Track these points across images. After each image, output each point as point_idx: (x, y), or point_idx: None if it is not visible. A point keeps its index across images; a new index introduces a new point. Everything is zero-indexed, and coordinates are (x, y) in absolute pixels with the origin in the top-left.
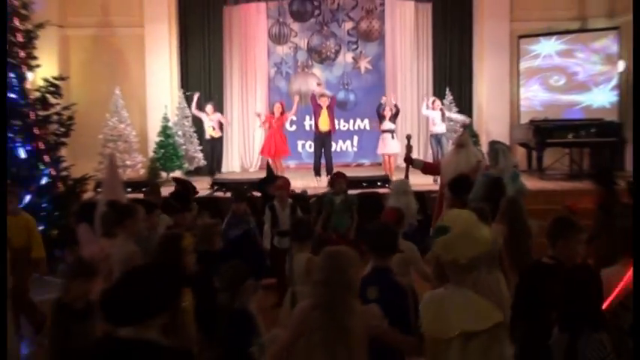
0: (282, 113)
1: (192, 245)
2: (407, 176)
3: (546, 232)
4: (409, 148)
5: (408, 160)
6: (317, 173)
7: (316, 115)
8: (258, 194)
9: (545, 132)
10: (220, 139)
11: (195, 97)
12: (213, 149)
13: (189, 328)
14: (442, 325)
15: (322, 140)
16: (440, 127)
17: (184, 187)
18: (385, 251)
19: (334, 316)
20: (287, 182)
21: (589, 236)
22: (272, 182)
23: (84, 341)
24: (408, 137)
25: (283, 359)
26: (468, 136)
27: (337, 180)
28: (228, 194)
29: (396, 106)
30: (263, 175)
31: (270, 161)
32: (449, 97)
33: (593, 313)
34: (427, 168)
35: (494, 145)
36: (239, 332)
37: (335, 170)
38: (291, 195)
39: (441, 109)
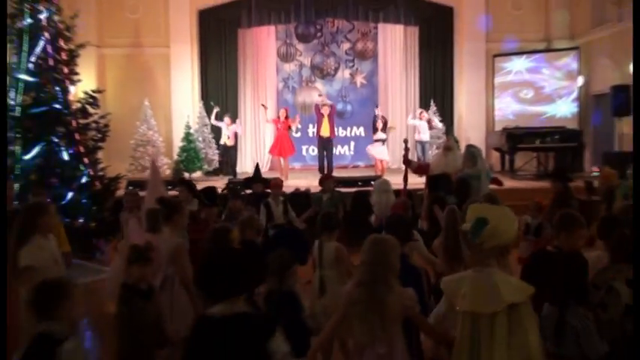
0: (286, 117)
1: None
2: (406, 177)
3: (553, 225)
4: (407, 150)
5: (407, 162)
6: (321, 171)
7: (318, 122)
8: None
9: (516, 138)
10: (234, 146)
11: (215, 110)
12: (228, 155)
13: None
14: (488, 300)
15: (323, 144)
16: (425, 135)
17: (189, 188)
18: (401, 239)
19: (375, 291)
20: (280, 182)
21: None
22: (257, 181)
23: (147, 318)
24: (405, 141)
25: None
26: (453, 140)
27: (326, 180)
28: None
29: (383, 117)
30: (274, 174)
31: (282, 161)
32: (433, 107)
33: (580, 290)
34: (419, 168)
35: (470, 148)
36: (288, 311)
37: (335, 170)
38: (295, 192)
39: (429, 120)
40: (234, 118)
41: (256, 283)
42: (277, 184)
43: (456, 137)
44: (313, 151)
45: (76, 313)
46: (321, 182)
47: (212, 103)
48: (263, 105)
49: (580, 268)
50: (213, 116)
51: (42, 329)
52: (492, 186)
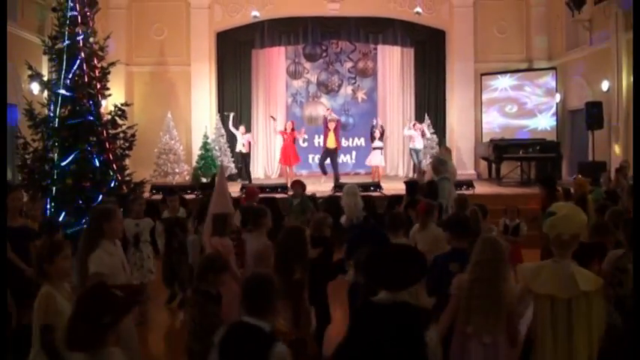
0: (292, 130)
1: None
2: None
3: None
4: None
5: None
6: (324, 173)
7: (325, 135)
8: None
9: (502, 149)
10: (248, 154)
11: (231, 115)
12: (243, 161)
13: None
14: (566, 287)
15: (329, 155)
16: (418, 144)
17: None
18: (462, 235)
19: (496, 286)
20: (255, 190)
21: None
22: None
23: (216, 320)
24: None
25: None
26: (449, 151)
27: (295, 186)
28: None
29: (382, 127)
30: (281, 181)
31: (288, 169)
32: (427, 120)
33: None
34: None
35: (439, 156)
36: None
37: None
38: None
39: (422, 131)
40: (248, 129)
41: (419, 277)
42: (252, 192)
43: (448, 147)
44: (318, 160)
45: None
46: (291, 187)
47: (226, 113)
48: (272, 117)
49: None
50: (230, 122)
51: (252, 323)
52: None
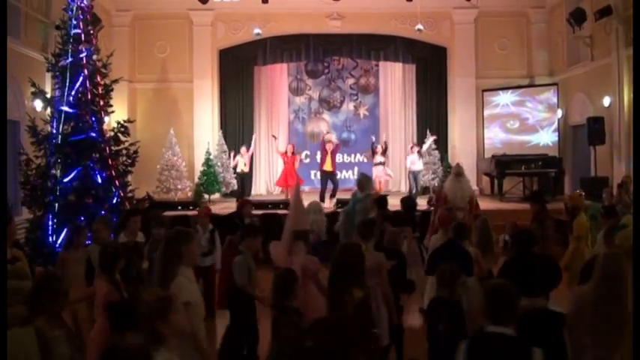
0: (292, 154)
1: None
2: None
3: (604, 235)
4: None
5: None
6: (322, 200)
7: (322, 157)
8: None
9: (504, 164)
10: (249, 173)
11: (232, 154)
12: (243, 181)
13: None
14: None
15: (327, 177)
16: (417, 166)
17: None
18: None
19: (619, 301)
20: (207, 211)
21: None
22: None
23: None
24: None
25: None
26: (462, 166)
27: (244, 206)
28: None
29: (385, 142)
30: (282, 197)
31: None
32: (430, 138)
33: None
34: (437, 202)
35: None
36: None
37: (339, 193)
38: None
39: (418, 152)
40: (248, 146)
41: (556, 283)
42: (205, 213)
43: (450, 163)
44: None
45: None
46: (239, 208)
47: (221, 133)
48: (273, 136)
49: None
50: (231, 159)
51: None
52: None
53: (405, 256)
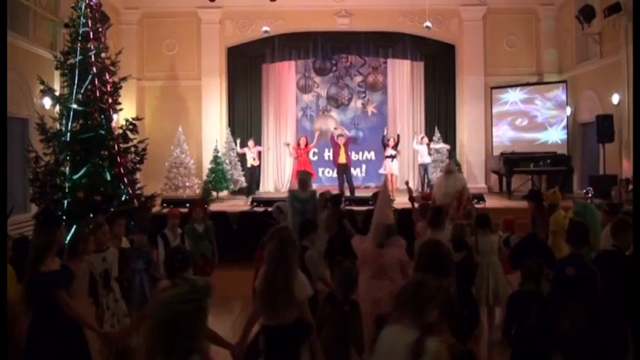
0: (306, 145)
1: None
2: (414, 211)
3: (610, 229)
4: (410, 190)
5: (412, 200)
6: (342, 194)
7: (335, 152)
8: None
9: (513, 162)
10: (258, 166)
11: (238, 141)
12: (252, 175)
13: None
14: None
15: (343, 171)
16: (426, 159)
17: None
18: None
19: None
20: (177, 212)
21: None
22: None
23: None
24: (407, 183)
25: None
26: (453, 164)
27: (195, 209)
28: (267, 209)
29: (398, 135)
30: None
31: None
32: (437, 134)
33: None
34: (424, 198)
35: (304, 172)
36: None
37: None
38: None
39: (427, 144)
40: (257, 142)
41: None
42: (174, 214)
43: (458, 161)
44: (329, 173)
45: None
46: (190, 211)
47: (229, 131)
48: (286, 144)
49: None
50: (238, 146)
51: None
52: None
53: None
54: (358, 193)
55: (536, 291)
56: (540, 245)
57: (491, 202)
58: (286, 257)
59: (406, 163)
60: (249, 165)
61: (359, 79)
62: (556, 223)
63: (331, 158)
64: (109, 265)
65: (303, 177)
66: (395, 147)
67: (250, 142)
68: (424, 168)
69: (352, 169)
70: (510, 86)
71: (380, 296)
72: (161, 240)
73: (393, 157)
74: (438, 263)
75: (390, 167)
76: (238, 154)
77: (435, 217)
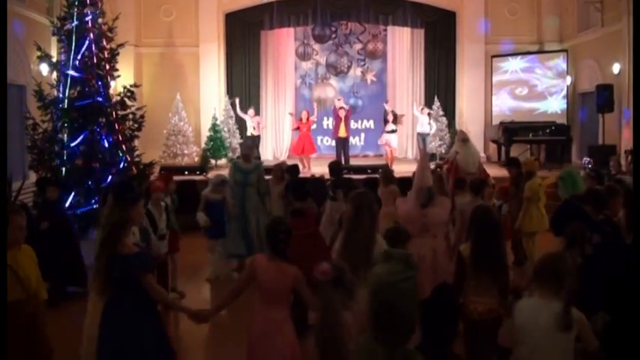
0: (307, 119)
1: None
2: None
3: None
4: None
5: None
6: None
7: (336, 124)
8: None
9: (512, 132)
10: (259, 136)
11: (237, 101)
12: (253, 144)
13: None
14: None
15: (342, 143)
16: (425, 128)
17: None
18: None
19: None
20: (160, 185)
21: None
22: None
23: None
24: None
25: None
26: (465, 132)
27: (170, 182)
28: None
29: (393, 112)
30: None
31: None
32: (437, 103)
33: None
34: (449, 170)
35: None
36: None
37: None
38: (310, 178)
39: (429, 114)
40: (257, 111)
41: None
42: (157, 187)
43: (457, 130)
44: (327, 141)
45: None
46: (165, 182)
47: (230, 100)
48: (291, 114)
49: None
50: (238, 108)
51: None
52: None
53: None
54: (357, 162)
55: (580, 255)
56: (579, 210)
57: (490, 172)
58: (362, 222)
59: (405, 133)
60: (249, 134)
61: (358, 46)
62: (530, 189)
63: (330, 127)
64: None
65: (246, 152)
66: (395, 121)
67: (250, 111)
68: (422, 137)
69: (351, 139)
70: (511, 55)
71: (424, 253)
72: (145, 217)
73: (393, 131)
74: (490, 229)
75: (387, 139)
76: (237, 120)
77: (477, 185)
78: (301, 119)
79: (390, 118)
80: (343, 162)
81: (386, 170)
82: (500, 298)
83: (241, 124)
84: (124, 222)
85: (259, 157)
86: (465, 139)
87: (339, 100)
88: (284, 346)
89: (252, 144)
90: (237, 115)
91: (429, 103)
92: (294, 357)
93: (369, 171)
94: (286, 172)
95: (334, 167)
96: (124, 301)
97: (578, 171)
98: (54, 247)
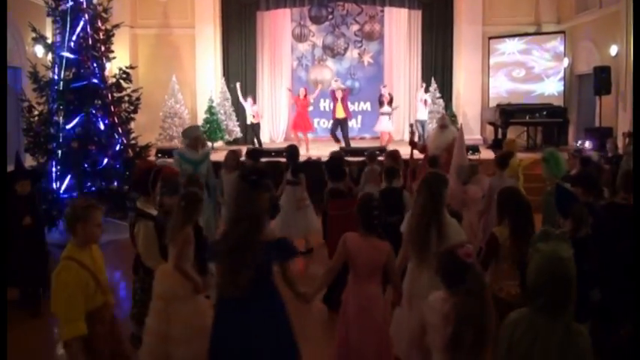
0: (305, 96)
1: None
2: (412, 155)
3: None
4: (412, 134)
5: (413, 144)
6: (336, 141)
7: (334, 105)
8: None
9: (509, 114)
10: (258, 124)
11: (238, 85)
12: (253, 131)
13: None
14: None
15: (339, 124)
16: (422, 115)
17: None
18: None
19: None
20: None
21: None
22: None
23: None
24: (411, 126)
25: None
26: (448, 118)
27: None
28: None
29: (390, 94)
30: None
31: (301, 135)
32: (434, 85)
33: None
34: (423, 149)
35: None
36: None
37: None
38: (307, 161)
39: (424, 100)
40: (254, 98)
41: None
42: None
43: (454, 112)
44: (324, 123)
45: None
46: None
47: (232, 85)
48: (289, 89)
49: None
50: (239, 93)
51: None
52: None
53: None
54: (355, 144)
55: (584, 235)
56: (570, 193)
57: (487, 154)
58: (433, 204)
59: (402, 115)
60: (248, 122)
61: (355, 27)
62: (509, 168)
63: (327, 110)
64: None
65: (195, 136)
66: (390, 104)
67: (249, 100)
68: (421, 123)
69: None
70: (508, 36)
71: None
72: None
73: (388, 114)
74: (525, 210)
75: (385, 125)
76: (233, 103)
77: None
78: (298, 95)
79: (386, 100)
80: (343, 144)
81: (372, 152)
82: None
83: (238, 107)
84: (265, 209)
85: (261, 144)
86: (443, 125)
87: (335, 81)
88: (381, 321)
89: (198, 127)
90: (236, 98)
91: (426, 84)
92: (387, 331)
93: (365, 153)
94: (248, 155)
95: (291, 151)
96: (263, 294)
97: (559, 152)
98: (27, 248)
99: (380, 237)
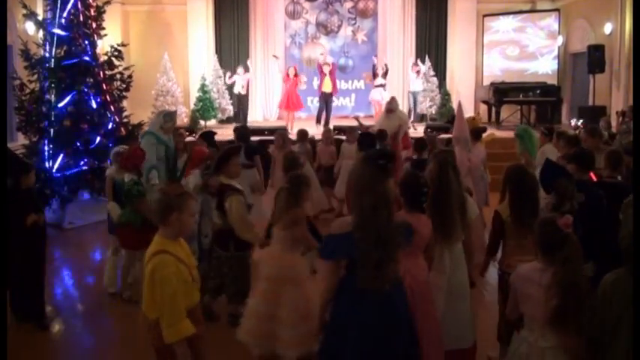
0: (295, 75)
1: None
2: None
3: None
4: (360, 125)
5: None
6: (318, 122)
7: (321, 79)
8: None
9: (502, 92)
10: (246, 95)
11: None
12: (241, 103)
13: None
14: None
15: (325, 99)
16: (415, 86)
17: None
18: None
19: None
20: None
21: None
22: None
23: None
24: (357, 117)
25: None
26: (396, 102)
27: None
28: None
29: (385, 65)
30: (280, 124)
31: (288, 114)
32: (428, 63)
33: None
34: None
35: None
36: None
37: (336, 120)
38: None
39: (417, 71)
40: (246, 68)
41: None
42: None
43: (448, 90)
44: (316, 102)
45: None
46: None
47: (220, 66)
48: (275, 56)
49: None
50: (227, 78)
51: None
52: None
53: None
54: (348, 122)
55: (571, 208)
56: (560, 167)
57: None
58: (449, 180)
59: (395, 91)
60: (236, 92)
61: (349, 4)
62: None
63: (318, 90)
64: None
65: (170, 120)
66: (384, 76)
67: (240, 69)
68: (413, 96)
69: (342, 99)
70: (503, 14)
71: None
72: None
73: (382, 85)
74: (529, 187)
75: (377, 96)
76: (226, 84)
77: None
78: (287, 74)
79: (380, 71)
80: (324, 119)
81: (328, 129)
82: None
83: (230, 85)
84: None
85: (245, 118)
86: (389, 110)
87: (322, 54)
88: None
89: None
90: (228, 83)
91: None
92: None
93: (358, 131)
94: (201, 137)
95: (241, 132)
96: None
97: (531, 129)
98: (29, 250)
99: (422, 212)
